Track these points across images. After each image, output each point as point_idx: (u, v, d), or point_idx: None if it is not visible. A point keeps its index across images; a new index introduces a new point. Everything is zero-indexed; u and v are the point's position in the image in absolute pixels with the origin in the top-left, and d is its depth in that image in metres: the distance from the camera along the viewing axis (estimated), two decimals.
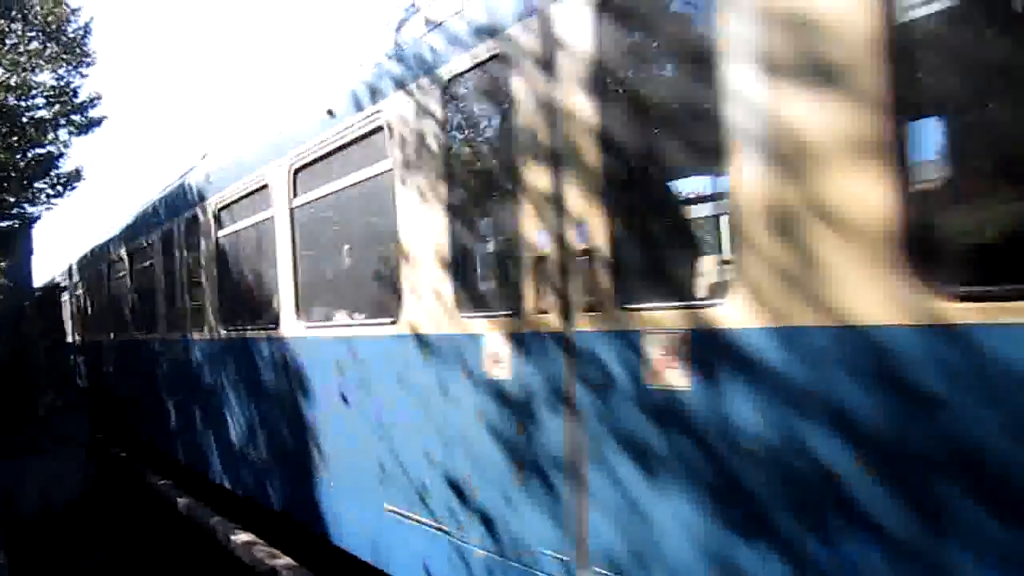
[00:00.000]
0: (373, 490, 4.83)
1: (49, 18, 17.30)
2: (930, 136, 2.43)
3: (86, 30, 18.29)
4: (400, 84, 4.36)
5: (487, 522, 3.83)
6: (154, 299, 9.78)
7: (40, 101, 18.26)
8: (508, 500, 3.68)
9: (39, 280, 18.87)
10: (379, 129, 4.57)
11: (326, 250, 6.06)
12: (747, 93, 2.54)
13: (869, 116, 2.22)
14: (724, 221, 4.40)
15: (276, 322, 6.07)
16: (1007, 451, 1.97)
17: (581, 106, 3.18)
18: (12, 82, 17.08)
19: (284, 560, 6.38)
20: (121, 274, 11.94)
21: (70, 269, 17.61)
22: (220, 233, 7.38)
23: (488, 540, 3.83)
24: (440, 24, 4.03)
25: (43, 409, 12.34)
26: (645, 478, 2.96)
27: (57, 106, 18.37)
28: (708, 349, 2.69)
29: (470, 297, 3.99)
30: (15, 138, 17.45)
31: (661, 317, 2.88)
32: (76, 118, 18.77)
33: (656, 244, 3.41)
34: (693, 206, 4.70)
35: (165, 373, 9.75)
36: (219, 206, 7.35)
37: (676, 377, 2.81)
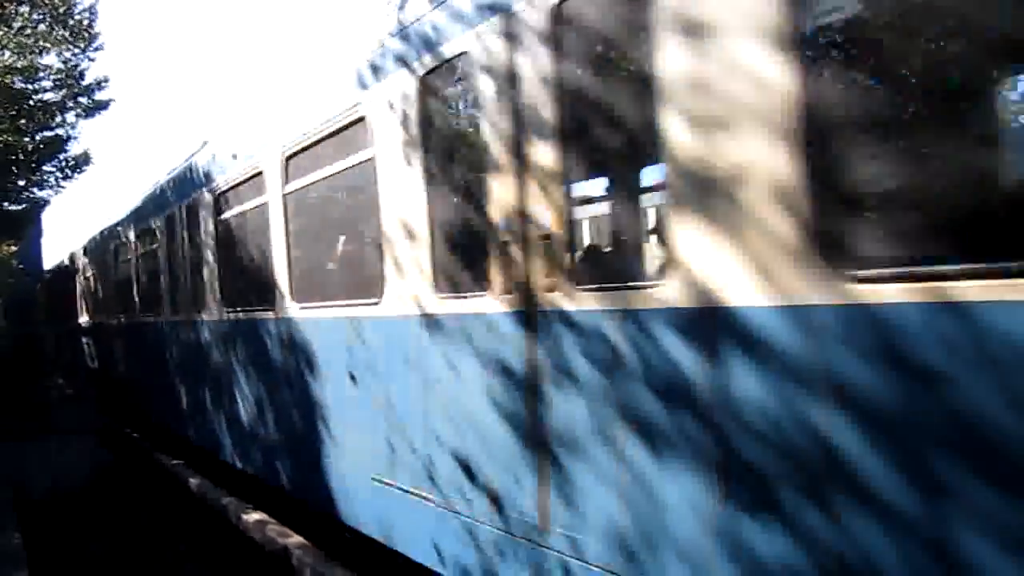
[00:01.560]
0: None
1: (56, 0, 17.23)
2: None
3: (92, 12, 18.24)
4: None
5: None
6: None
7: (47, 84, 18.26)
8: None
9: (48, 263, 18.95)
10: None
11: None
12: None
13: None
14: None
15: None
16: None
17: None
18: (19, 65, 17.05)
19: (295, 539, 6.40)
20: (128, 257, 11.96)
21: (76, 252, 17.64)
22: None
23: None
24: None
25: (54, 392, 12.42)
26: None
27: (64, 89, 18.35)
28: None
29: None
30: (23, 121, 17.45)
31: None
32: (83, 101, 18.77)
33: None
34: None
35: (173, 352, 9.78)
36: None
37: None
